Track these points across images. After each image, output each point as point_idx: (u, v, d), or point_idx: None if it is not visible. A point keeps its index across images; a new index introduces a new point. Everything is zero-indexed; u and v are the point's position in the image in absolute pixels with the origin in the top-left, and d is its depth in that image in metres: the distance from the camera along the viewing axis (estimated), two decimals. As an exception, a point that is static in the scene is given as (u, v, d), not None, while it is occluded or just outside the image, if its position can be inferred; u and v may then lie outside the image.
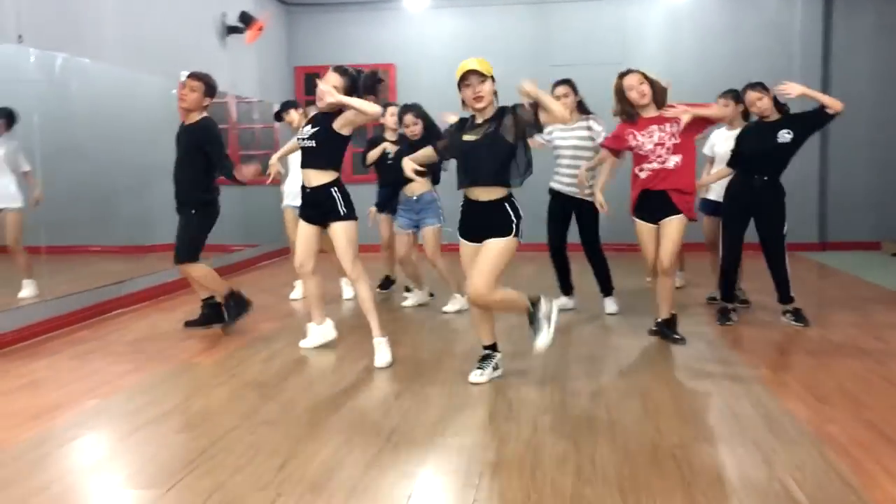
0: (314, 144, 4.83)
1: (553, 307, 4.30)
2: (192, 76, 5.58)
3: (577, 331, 5.65)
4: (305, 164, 4.91)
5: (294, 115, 6.80)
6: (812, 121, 5.46)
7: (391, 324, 6.06)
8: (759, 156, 5.50)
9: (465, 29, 10.52)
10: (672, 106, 5.03)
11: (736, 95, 6.12)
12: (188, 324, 5.85)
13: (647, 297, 5.61)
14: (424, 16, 10.55)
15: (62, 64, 6.19)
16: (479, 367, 4.38)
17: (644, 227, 5.21)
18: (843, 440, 3.36)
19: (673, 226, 5.08)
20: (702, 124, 5.10)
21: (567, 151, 6.08)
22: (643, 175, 5.13)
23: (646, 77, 5.10)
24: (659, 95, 5.10)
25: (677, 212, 5.07)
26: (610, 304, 6.23)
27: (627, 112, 5.16)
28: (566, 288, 6.36)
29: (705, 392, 4.20)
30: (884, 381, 4.28)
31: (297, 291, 7.03)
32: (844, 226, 10.26)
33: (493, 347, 4.45)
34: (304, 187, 4.96)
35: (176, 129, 5.73)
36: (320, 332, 5.22)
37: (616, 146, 5.34)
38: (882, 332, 5.44)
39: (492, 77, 4.09)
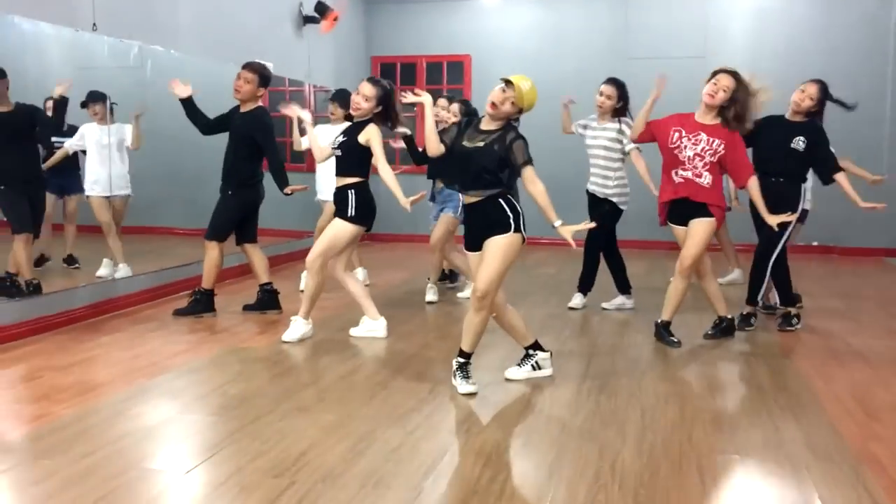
0: (340, 153, 5.02)
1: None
2: (247, 67, 5.69)
3: (627, 331, 5.52)
4: (336, 171, 5.09)
5: (339, 112, 6.78)
6: (819, 153, 5.33)
7: (441, 317, 6.09)
8: (772, 157, 5.28)
9: (541, 20, 10.38)
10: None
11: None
12: (246, 307, 5.99)
13: (699, 300, 5.43)
14: (501, 7, 10.46)
15: (142, 52, 6.39)
16: (517, 364, 4.33)
17: (682, 231, 5.04)
18: (886, 461, 3.19)
19: (701, 227, 4.92)
20: (733, 161, 4.92)
21: (598, 151, 6.03)
22: (677, 180, 4.96)
23: (736, 90, 4.85)
24: (734, 118, 4.86)
25: (709, 214, 4.92)
26: (578, 300, 6.27)
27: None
28: (623, 286, 6.24)
29: (750, 401, 4.05)
30: (946, 400, 4.05)
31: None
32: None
33: (535, 346, 4.37)
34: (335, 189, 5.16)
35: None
36: (372, 326, 5.28)
37: (653, 132, 5.05)
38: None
39: (520, 108, 3.93)
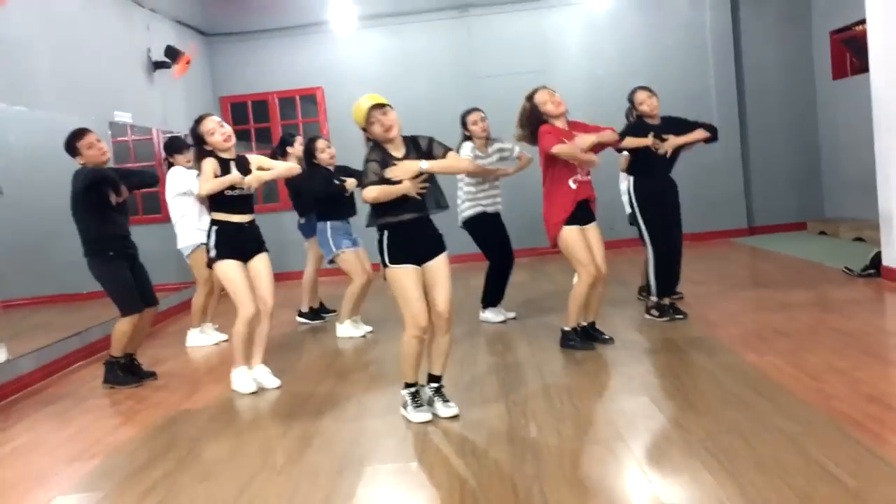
0: (252, 190, 5.00)
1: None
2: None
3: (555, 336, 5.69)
4: (244, 210, 4.96)
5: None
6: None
7: (370, 348, 6.04)
8: (661, 160, 5.69)
9: (389, 47, 10.54)
10: (574, 132, 5.14)
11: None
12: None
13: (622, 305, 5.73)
14: (349, 37, 10.46)
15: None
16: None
17: (579, 233, 5.14)
18: (856, 415, 3.52)
19: (598, 232, 5.20)
20: (599, 148, 5.21)
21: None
22: (575, 186, 5.09)
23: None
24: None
25: (594, 217, 5.22)
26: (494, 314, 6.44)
27: (531, 135, 5.13)
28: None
29: (708, 384, 4.29)
30: (866, 356, 4.50)
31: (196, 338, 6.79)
32: (770, 210, 10.70)
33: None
34: (237, 226, 4.94)
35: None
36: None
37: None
38: (844, 309, 5.73)
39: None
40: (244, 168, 4.92)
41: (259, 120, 10.49)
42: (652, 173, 5.74)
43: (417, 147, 4.01)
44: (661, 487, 3.00)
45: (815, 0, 10.44)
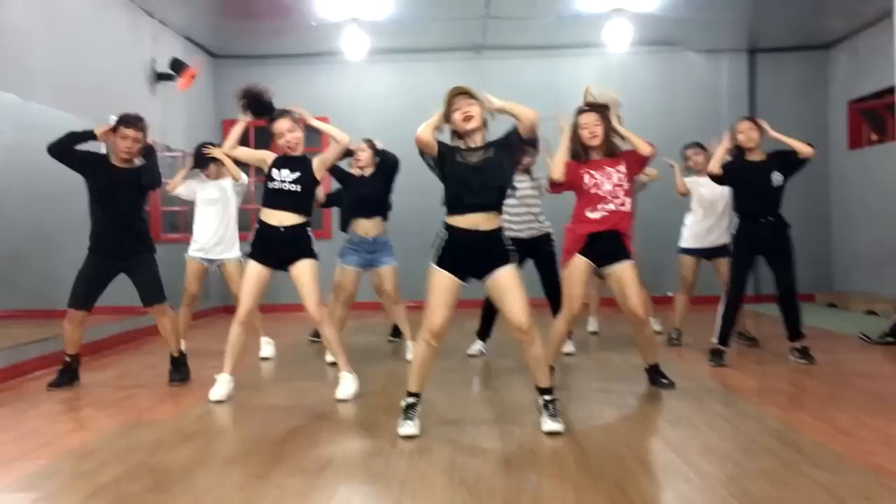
0: (299, 189, 4.78)
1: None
2: (132, 124, 5.23)
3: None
4: (285, 208, 4.76)
5: (213, 170, 6.68)
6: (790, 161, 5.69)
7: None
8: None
9: (401, 82, 10.36)
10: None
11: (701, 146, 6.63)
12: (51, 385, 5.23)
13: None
14: (358, 68, 10.27)
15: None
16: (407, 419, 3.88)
17: (584, 266, 4.81)
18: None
19: (630, 272, 4.77)
20: (639, 165, 4.95)
21: (517, 199, 5.94)
22: (596, 216, 4.77)
23: (602, 119, 4.92)
24: (611, 144, 4.90)
25: (627, 256, 4.80)
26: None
27: (576, 151, 4.90)
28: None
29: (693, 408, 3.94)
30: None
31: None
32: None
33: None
34: (272, 228, 4.75)
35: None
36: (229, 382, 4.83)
37: (567, 186, 4.90)
38: (867, 372, 5.41)
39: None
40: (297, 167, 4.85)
41: (260, 146, 10.19)
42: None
43: (496, 145, 3.92)
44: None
45: (832, 68, 10.33)
